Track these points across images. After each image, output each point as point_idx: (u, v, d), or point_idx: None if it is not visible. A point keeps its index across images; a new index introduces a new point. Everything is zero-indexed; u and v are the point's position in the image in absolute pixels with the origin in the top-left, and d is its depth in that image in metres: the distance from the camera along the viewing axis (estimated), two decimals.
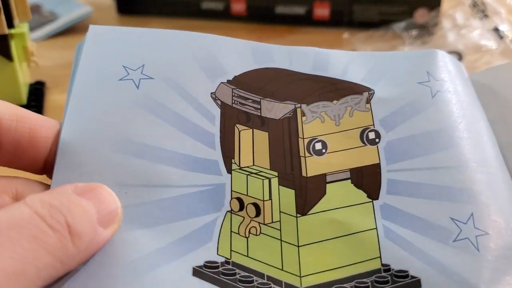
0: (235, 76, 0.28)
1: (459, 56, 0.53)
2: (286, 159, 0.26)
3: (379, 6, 0.57)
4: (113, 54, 0.27)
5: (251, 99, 0.27)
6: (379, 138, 0.27)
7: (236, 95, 0.27)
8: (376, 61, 0.30)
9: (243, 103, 0.27)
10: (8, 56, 0.42)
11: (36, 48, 0.45)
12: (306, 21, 0.58)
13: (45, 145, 0.24)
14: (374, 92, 0.28)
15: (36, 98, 0.46)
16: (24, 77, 0.46)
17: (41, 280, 0.19)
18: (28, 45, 0.44)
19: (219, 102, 0.27)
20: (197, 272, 0.23)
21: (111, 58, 0.27)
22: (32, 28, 0.55)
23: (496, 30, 0.55)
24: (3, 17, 0.40)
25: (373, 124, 0.27)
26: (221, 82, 0.27)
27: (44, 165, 0.24)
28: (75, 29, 0.57)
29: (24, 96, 0.45)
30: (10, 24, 0.42)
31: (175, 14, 0.59)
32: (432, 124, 0.27)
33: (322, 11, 0.58)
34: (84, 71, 0.26)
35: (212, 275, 0.23)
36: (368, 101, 0.28)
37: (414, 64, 0.30)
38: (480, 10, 0.57)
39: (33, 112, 0.24)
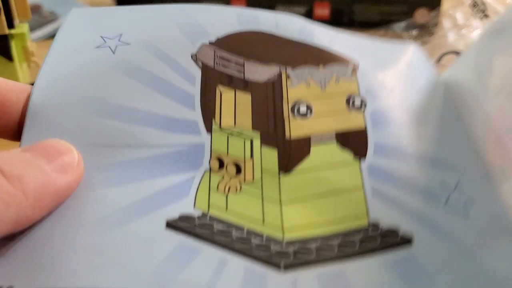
0: (218, 38, 0.27)
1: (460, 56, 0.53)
2: (269, 121, 0.25)
3: (379, 6, 0.57)
4: (92, 26, 0.27)
5: (234, 61, 0.26)
6: (365, 106, 0.26)
7: (218, 56, 0.26)
8: (359, 42, 0.30)
9: (225, 65, 0.26)
10: (8, 56, 0.42)
11: (36, 48, 0.45)
12: None
13: (17, 109, 0.23)
14: (359, 65, 0.28)
15: None
16: (24, 77, 0.46)
17: None
18: (28, 45, 0.44)
19: (200, 64, 0.26)
20: (171, 225, 0.22)
21: (89, 30, 0.27)
22: (32, 28, 0.55)
23: None
24: (3, 17, 0.40)
25: (359, 93, 0.27)
26: (203, 43, 0.26)
27: (17, 131, 0.24)
28: None
29: None
30: (10, 24, 0.42)
31: None
32: (417, 100, 0.28)
33: (322, 11, 0.58)
34: (61, 41, 0.26)
35: (187, 228, 0.22)
36: (354, 71, 0.27)
37: (394, 51, 0.30)
38: (480, 10, 0.57)
39: (1, 78, 0.24)
